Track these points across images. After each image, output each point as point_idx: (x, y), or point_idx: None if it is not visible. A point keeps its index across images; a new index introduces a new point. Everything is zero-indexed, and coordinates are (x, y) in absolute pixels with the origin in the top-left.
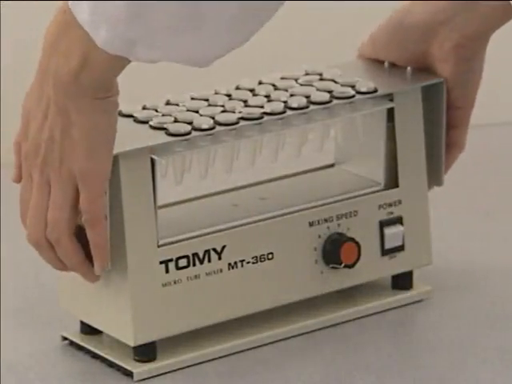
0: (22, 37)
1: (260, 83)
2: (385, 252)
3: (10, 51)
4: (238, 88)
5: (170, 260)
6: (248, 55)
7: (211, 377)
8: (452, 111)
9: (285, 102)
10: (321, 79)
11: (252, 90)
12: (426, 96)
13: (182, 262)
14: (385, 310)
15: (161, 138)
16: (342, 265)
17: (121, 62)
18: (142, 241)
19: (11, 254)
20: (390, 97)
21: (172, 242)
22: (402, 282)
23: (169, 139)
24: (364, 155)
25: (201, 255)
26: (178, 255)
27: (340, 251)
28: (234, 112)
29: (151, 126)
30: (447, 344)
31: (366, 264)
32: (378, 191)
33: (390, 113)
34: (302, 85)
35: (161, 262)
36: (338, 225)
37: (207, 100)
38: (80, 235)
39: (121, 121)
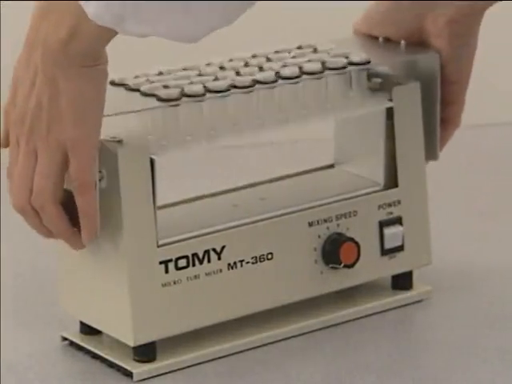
0: (22, 37)
1: (253, 56)
2: (384, 252)
3: (9, 51)
4: (231, 60)
5: (170, 260)
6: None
7: (211, 377)
8: (447, 87)
9: (277, 72)
10: (314, 52)
11: (245, 62)
12: (420, 71)
13: (182, 262)
14: (385, 310)
15: (151, 103)
16: (342, 265)
17: (110, 33)
18: (142, 241)
19: (11, 253)
20: (389, 96)
21: (172, 242)
22: (402, 282)
23: (159, 104)
24: (363, 155)
25: (200, 255)
26: (177, 255)
27: (339, 251)
28: (225, 80)
29: (142, 93)
30: (447, 344)
31: (365, 264)
32: (377, 191)
33: (389, 112)
34: (294, 57)
35: (160, 262)
36: (338, 225)
37: (199, 70)
38: (69, 203)
39: (113, 89)
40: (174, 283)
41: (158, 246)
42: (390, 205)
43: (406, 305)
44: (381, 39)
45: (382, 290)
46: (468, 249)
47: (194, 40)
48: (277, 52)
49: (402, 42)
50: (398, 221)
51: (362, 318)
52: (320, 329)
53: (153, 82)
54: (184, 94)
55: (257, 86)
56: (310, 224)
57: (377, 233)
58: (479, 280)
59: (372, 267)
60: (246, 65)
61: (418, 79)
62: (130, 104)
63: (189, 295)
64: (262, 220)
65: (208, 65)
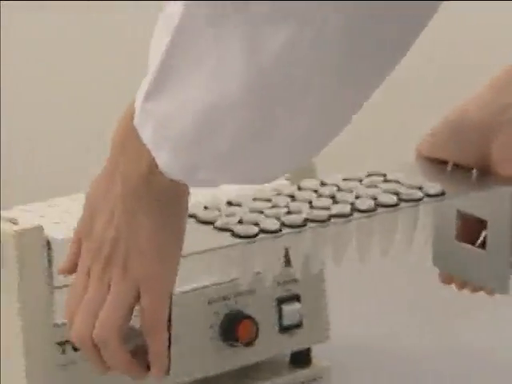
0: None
1: (322, 184)
2: (283, 329)
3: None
4: (300, 188)
5: (67, 341)
6: None
7: None
8: None
9: (351, 204)
10: (385, 181)
11: (315, 191)
12: (492, 204)
13: None
14: None
15: (227, 239)
16: (240, 342)
17: None
18: (38, 321)
19: None
20: None
21: None
22: (301, 358)
23: (235, 241)
24: None
25: None
26: None
27: (237, 329)
28: (299, 213)
29: (216, 227)
30: None
31: (264, 341)
32: None
33: None
34: (366, 186)
35: (57, 343)
36: (236, 302)
37: (270, 201)
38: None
39: None
40: (72, 364)
41: (54, 326)
42: (287, 282)
43: (304, 382)
44: (449, 165)
45: (280, 366)
46: (366, 326)
47: (264, 182)
48: (346, 179)
49: (474, 170)
50: (296, 298)
51: None
52: None
53: (225, 214)
54: (261, 230)
55: (332, 220)
56: (209, 302)
57: (275, 310)
58: (377, 357)
59: (270, 344)
60: (318, 194)
61: (488, 212)
62: (206, 239)
63: (86, 376)
64: None
65: (278, 194)
